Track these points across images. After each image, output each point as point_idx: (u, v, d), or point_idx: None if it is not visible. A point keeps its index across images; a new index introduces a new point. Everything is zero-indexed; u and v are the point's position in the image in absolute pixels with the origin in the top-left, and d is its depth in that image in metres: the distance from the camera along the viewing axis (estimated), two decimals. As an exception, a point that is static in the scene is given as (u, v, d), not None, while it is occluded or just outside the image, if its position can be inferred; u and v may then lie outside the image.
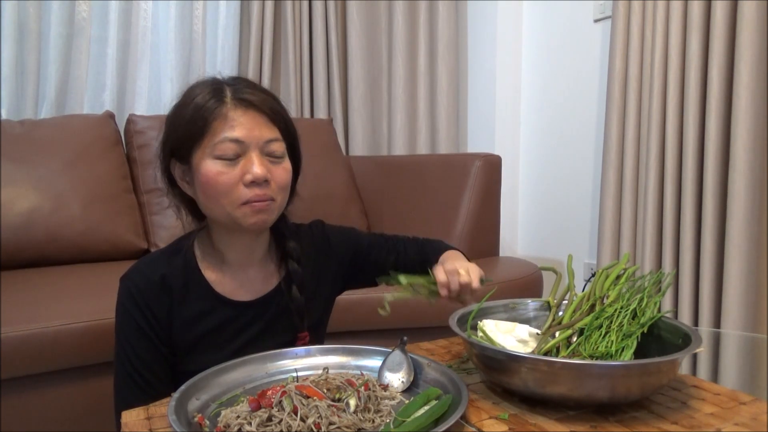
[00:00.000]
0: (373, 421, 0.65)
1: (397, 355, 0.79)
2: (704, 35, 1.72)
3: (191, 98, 0.84)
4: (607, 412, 0.67)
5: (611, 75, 1.98)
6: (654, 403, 0.70)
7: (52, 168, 1.74)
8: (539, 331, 0.81)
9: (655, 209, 1.85)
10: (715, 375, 0.97)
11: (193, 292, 0.89)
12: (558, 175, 2.41)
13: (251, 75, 2.30)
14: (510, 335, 0.81)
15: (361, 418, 0.64)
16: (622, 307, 0.77)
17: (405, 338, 0.82)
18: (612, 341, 0.73)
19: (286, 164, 0.87)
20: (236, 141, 0.81)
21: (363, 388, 0.69)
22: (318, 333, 0.99)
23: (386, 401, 0.71)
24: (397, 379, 0.76)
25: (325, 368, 0.78)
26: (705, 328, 1.66)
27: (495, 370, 0.72)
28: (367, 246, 1.04)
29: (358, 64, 2.48)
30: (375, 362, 0.80)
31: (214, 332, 0.89)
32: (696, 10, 1.71)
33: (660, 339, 0.77)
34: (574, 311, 0.80)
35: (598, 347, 0.72)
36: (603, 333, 0.74)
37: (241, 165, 0.82)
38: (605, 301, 0.80)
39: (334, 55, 2.42)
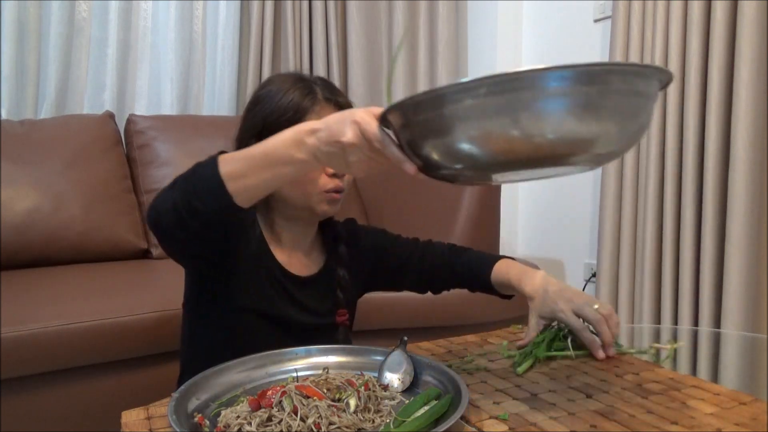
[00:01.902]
0: (373, 421, 0.65)
1: (397, 355, 0.79)
2: (704, 35, 1.72)
3: (282, 91, 0.92)
4: (606, 411, 0.67)
5: (611, 75, 1.98)
6: (654, 403, 0.70)
7: (52, 168, 1.74)
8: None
9: (655, 209, 1.85)
10: (715, 375, 0.97)
11: (257, 249, 0.94)
12: (558, 175, 2.41)
13: (251, 75, 2.31)
14: None
15: (361, 418, 0.64)
16: None
17: (405, 338, 0.82)
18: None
19: None
20: None
21: (363, 388, 0.69)
22: (351, 317, 1.05)
23: (386, 401, 0.71)
24: (397, 379, 0.76)
25: (325, 368, 0.78)
26: (705, 328, 1.66)
27: (437, 125, 0.58)
28: (393, 247, 1.09)
29: (358, 64, 2.48)
30: (375, 362, 0.80)
31: (270, 284, 0.94)
32: (696, 10, 1.71)
33: None
34: None
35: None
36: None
37: None
38: None
39: (334, 55, 2.42)
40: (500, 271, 0.98)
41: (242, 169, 0.71)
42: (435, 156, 0.61)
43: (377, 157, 0.66)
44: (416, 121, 0.61)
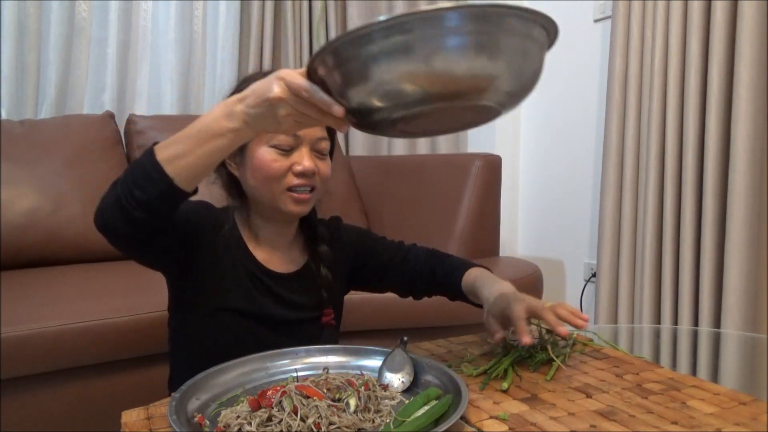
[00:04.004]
0: (373, 421, 0.65)
1: (397, 355, 0.79)
2: (704, 35, 1.72)
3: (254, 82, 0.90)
4: (606, 411, 0.67)
5: (611, 75, 1.98)
6: (654, 403, 0.70)
7: (52, 168, 1.74)
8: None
9: (655, 209, 1.85)
10: (715, 375, 0.97)
11: (235, 248, 0.94)
12: (558, 175, 2.41)
13: (251, 75, 2.30)
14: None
15: (361, 418, 0.64)
16: None
17: (405, 338, 0.82)
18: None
19: (329, 161, 0.96)
20: (294, 135, 0.89)
21: (363, 388, 0.69)
22: (337, 317, 1.04)
23: (386, 401, 0.71)
24: (397, 379, 0.76)
25: (325, 368, 0.78)
26: (705, 328, 1.66)
27: (358, 66, 0.61)
28: (375, 247, 1.07)
29: (358, 64, 2.48)
30: (375, 362, 0.80)
31: (250, 282, 0.93)
32: (696, 10, 1.71)
33: None
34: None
35: None
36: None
37: (293, 156, 0.90)
38: None
39: (334, 55, 2.42)
40: (469, 278, 0.97)
41: (178, 151, 0.72)
42: (357, 98, 0.64)
43: (305, 108, 0.67)
44: (336, 65, 0.63)
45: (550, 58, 0.73)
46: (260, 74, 0.91)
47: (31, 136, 1.78)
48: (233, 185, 0.97)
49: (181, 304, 0.95)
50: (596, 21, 2.20)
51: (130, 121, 2.02)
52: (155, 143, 0.74)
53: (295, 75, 0.66)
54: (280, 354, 0.82)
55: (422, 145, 2.56)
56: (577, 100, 2.30)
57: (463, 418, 0.65)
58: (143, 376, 1.29)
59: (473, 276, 0.97)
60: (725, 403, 0.70)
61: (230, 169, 0.96)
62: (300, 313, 0.96)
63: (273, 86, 0.66)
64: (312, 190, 0.92)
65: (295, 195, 0.90)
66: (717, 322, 1.69)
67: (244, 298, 0.92)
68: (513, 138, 2.56)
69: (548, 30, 0.68)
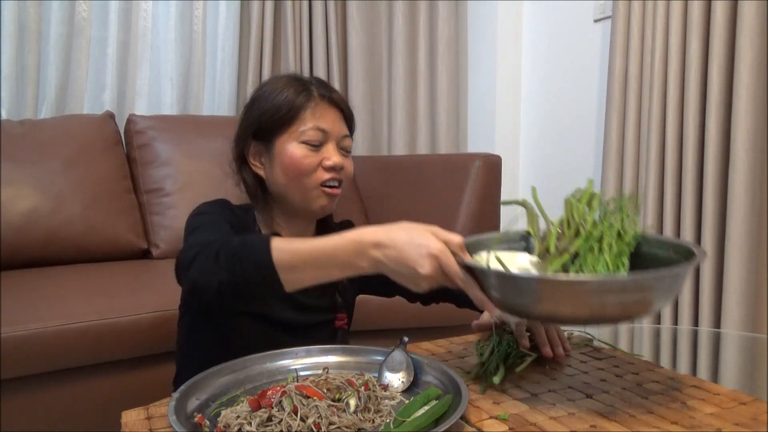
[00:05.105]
0: (373, 421, 0.65)
1: (397, 355, 0.79)
2: (704, 35, 1.71)
3: (277, 90, 0.94)
4: (606, 411, 0.67)
5: (611, 75, 1.98)
6: (654, 403, 0.70)
7: (52, 168, 1.74)
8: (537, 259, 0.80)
9: (655, 209, 1.85)
10: (715, 375, 0.97)
11: None
12: (558, 174, 2.41)
13: (251, 75, 2.31)
14: (512, 264, 0.80)
15: (361, 418, 0.64)
16: (606, 228, 0.78)
17: (405, 338, 0.82)
18: (607, 261, 0.74)
19: (351, 159, 0.98)
20: (322, 131, 0.92)
21: (363, 388, 0.69)
22: (349, 321, 1.06)
23: (386, 401, 0.70)
24: (397, 379, 0.76)
25: (325, 368, 0.78)
26: (705, 328, 1.66)
27: (521, 296, 0.68)
28: None
29: (358, 64, 2.48)
30: (375, 362, 0.80)
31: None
32: (696, 10, 1.71)
33: (652, 255, 0.78)
34: (558, 238, 0.80)
35: (596, 269, 0.73)
36: (596, 254, 0.75)
37: (321, 152, 0.93)
38: (585, 225, 0.80)
39: (334, 55, 2.42)
40: None
41: (296, 263, 0.72)
42: (515, 309, 0.70)
43: (448, 284, 0.69)
44: (502, 288, 0.68)
45: (551, 58, 0.74)
46: (284, 79, 0.94)
47: (31, 136, 1.78)
48: (258, 185, 0.98)
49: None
50: (596, 21, 2.20)
51: (130, 121, 2.02)
52: (273, 234, 0.74)
53: (451, 260, 0.67)
54: (280, 354, 0.82)
55: (422, 145, 2.56)
56: (577, 100, 2.30)
57: (463, 418, 0.65)
58: (143, 376, 1.29)
59: None
60: (725, 403, 0.70)
61: (255, 169, 0.97)
62: (314, 317, 0.97)
63: (424, 262, 0.67)
64: (339, 185, 0.94)
65: (327, 189, 0.93)
66: (717, 322, 1.69)
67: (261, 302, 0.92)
68: (513, 138, 2.56)
69: (698, 254, 0.71)
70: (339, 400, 0.66)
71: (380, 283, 1.06)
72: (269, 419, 0.63)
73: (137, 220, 1.86)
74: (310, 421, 0.61)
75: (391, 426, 0.62)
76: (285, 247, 0.72)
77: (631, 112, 1.93)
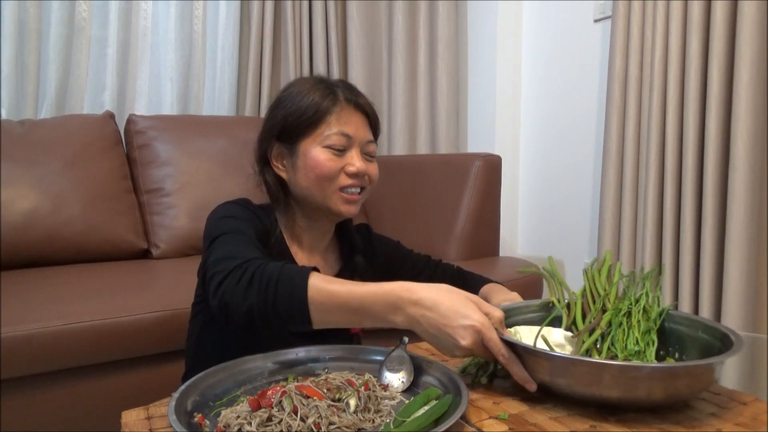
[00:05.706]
0: (373, 421, 0.65)
1: (397, 355, 0.79)
2: (704, 35, 1.72)
3: (303, 92, 0.95)
4: (606, 411, 0.67)
5: (611, 75, 1.98)
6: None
7: (52, 168, 1.74)
8: (572, 334, 0.80)
9: (655, 209, 1.85)
10: (715, 375, 0.97)
11: (277, 251, 0.95)
12: (558, 174, 2.41)
13: (251, 75, 2.31)
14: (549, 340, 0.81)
15: (361, 418, 0.64)
16: (632, 304, 0.78)
17: (405, 338, 0.82)
18: (637, 338, 0.74)
19: (376, 164, 0.99)
20: (347, 136, 0.93)
21: (363, 388, 0.69)
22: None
23: (386, 401, 0.70)
24: (397, 379, 0.76)
25: (325, 368, 0.78)
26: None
27: (571, 378, 0.68)
28: (405, 261, 1.11)
29: (358, 64, 2.48)
30: (375, 362, 0.80)
31: None
32: (696, 10, 1.71)
33: (676, 332, 0.80)
34: (584, 312, 0.80)
35: (627, 346, 0.73)
36: (626, 331, 0.75)
37: (345, 157, 0.93)
38: (608, 298, 0.81)
39: (334, 55, 2.42)
40: (482, 292, 1.03)
41: (330, 307, 0.72)
42: (552, 387, 0.70)
43: (487, 358, 0.70)
44: (546, 368, 0.69)
45: (551, 58, 0.74)
46: (310, 81, 0.95)
47: (31, 136, 1.78)
48: (280, 187, 0.98)
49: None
50: (596, 21, 2.20)
51: (130, 121, 2.02)
52: (313, 269, 0.74)
53: (494, 335, 0.68)
54: (280, 354, 0.82)
55: (422, 146, 2.56)
56: (577, 100, 2.30)
57: (463, 418, 0.65)
58: (143, 376, 1.29)
59: (486, 289, 1.02)
60: (725, 403, 0.70)
61: (277, 171, 0.97)
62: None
63: (466, 334, 0.68)
64: (361, 191, 0.95)
65: (346, 195, 0.93)
66: (717, 321, 1.68)
67: None
68: (513, 138, 2.56)
69: (736, 341, 0.71)
70: (339, 400, 0.66)
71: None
72: (269, 419, 0.63)
73: (137, 220, 1.86)
74: (310, 421, 0.61)
75: (391, 426, 0.62)
76: (322, 287, 0.73)
77: (631, 112, 1.93)
